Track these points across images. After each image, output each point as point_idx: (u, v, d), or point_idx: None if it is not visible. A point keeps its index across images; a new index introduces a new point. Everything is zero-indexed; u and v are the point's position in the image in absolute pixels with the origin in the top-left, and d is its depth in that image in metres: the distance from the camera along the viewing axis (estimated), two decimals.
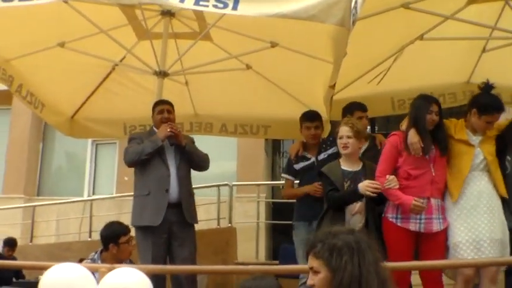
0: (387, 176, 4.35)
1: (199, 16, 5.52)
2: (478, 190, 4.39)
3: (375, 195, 4.29)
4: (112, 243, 4.51)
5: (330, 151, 5.42)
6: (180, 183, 5.29)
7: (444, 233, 4.39)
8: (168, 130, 5.22)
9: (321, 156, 5.45)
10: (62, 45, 5.76)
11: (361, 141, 4.68)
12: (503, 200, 4.45)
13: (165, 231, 5.16)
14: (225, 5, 3.75)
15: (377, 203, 4.55)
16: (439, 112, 4.53)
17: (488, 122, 4.48)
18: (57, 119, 6.95)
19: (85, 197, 12.13)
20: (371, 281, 2.18)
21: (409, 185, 4.39)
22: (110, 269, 2.77)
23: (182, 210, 5.24)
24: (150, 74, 5.83)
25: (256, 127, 7.12)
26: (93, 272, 2.82)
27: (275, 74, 6.37)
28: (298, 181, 5.71)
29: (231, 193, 8.51)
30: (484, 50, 5.96)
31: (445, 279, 4.53)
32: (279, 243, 9.82)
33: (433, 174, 4.42)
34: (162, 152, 5.28)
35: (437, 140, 4.49)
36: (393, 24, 4.96)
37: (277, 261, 6.85)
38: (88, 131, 7.26)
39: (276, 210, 10.36)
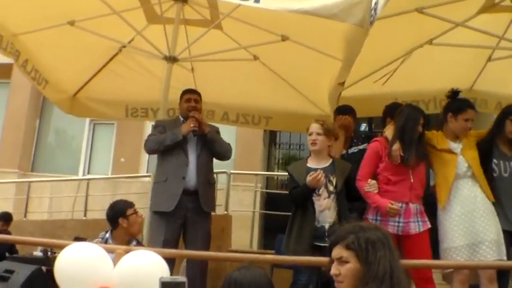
0: (369, 181, 4.54)
1: (212, 4, 5.52)
2: (466, 196, 4.54)
3: (321, 184, 4.46)
4: (121, 217, 4.60)
5: (361, 146, 5.51)
6: (198, 171, 5.36)
7: (424, 235, 4.52)
8: (192, 126, 5.28)
9: (351, 150, 5.55)
10: (71, 23, 5.73)
11: (331, 139, 4.78)
12: (494, 203, 4.57)
13: (181, 217, 5.26)
14: None
15: (349, 199, 4.72)
16: (423, 124, 4.67)
17: (465, 119, 4.66)
18: (58, 96, 6.94)
19: (80, 176, 12.12)
20: (401, 276, 2.27)
21: (389, 190, 4.56)
22: (127, 251, 2.80)
23: (199, 198, 5.30)
24: (160, 58, 5.82)
25: (258, 117, 7.18)
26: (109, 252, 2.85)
27: (281, 66, 6.39)
28: None
29: (228, 181, 8.54)
30: (489, 59, 6.07)
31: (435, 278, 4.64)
32: (272, 233, 9.93)
33: (412, 180, 4.56)
34: (183, 140, 5.33)
35: (416, 147, 4.61)
36: (404, 27, 4.99)
37: (272, 251, 6.93)
38: (89, 110, 7.26)
39: (270, 201, 10.44)
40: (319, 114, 6.68)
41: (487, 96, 6.50)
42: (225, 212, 8.26)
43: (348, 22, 3.84)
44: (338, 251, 2.37)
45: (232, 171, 8.79)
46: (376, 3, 3.89)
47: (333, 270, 2.36)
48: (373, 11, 3.92)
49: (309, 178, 4.47)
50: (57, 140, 13.07)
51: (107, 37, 5.93)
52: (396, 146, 4.52)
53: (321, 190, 4.58)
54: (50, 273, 5.24)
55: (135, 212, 4.64)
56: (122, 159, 11.88)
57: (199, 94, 5.69)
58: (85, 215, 9.94)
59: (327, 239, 4.45)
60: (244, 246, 8.83)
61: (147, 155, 11.92)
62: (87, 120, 12.19)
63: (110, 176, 11.66)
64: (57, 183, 11.44)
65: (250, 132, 10.01)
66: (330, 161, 4.75)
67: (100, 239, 4.62)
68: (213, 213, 5.62)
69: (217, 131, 5.74)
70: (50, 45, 6.08)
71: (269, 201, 10.49)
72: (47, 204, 11.58)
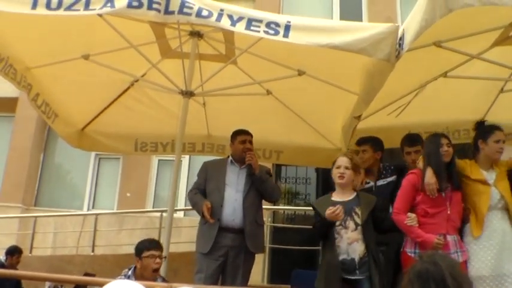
0: (408, 214, 4.53)
1: (229, 39, 5.54)
2: (495, 228, 4.54)
3: (337, 219, 4.47)
4: (137, 258, 4.59)
5: (389, 179, 5.57)
6: (245, 211, 5.54)
7: (464, 265, 4.46)
8: (207, 210, 5.46)
9: (380, 182, 5.62)
10: (86, 57, 5.72)
11: (357, 174, 4.82)
12: None
13: (223, 254, 5.48)
14: (276, 32, 3.85)
15: (381, 231, 4.76)
16: (450, 143, 4.73)
17: (496, 141, 4.72)
18: (67, 130, 6.89)
19: (85, 211, 12.02)
20: None
21: (427, 222, 4.56)
22: None
23: (244, 237, 5.49)
24: (176, 92, 5.81)
25: (269, 152, 7.19)
26: None
27: (293, 100, 6.41)
28: None
29: None
30: (502, 90, 6.11)
31: None
32: (279, 268, 9.86)
33: (449, 212, 4.56)
34: (222, 182, 5.65)
35: (450, 176, 4.63)
36: (419, 60, 5.00)
37: (285, 285, 6.92)
38: (97, 144, 7.24)
39: (277, 235, 10.38)
40: (330, 148, 6.72)
41: None
42: None
43: (375, 57, 3.88)
44: None
45: None
46: (401, 39, 3.92)
47: None
48: (397, 46, 3.95)
49: (328, 212, 4.47)
50: (61, 174, 12.93)
51: (121, 71, 5.91)
52: (432, 180, 4.52)
53: (347, 223, 4.58)
54: None
55: (152, 256, 4.57)
56: (128, 194, 11.80)
57: (251, 135, 5.91)
58: (93, 251, 9.82)
59: (357, 271, 4.47)
60: (255, 282, 8.72)
61: (153, 190, 11.89)
62: (93, 154, 12.10)
63: (116, 211, 11.55)
64: (62, 218, 11.32)
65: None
66: (355, 194, 4.78)
67: (123, 276, 4.54)
68: None
69: (269, 172, 5.95)
70: (62, 79, 6.07)
71: (276, 235, 10.42)
72: (50, 240, 11.43)
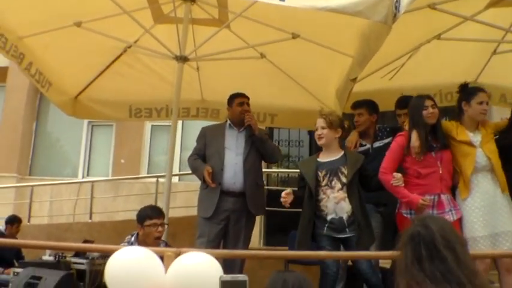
0: (394, 174, 4.59)
1: (222, 3, 5.53)
2: (487, 190, 4.62)
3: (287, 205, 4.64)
4: (139, 225, 4.65)
5: (386, 140, 5.59)
6: (245, 174, 5.56)
7: (457, 223, 4.55)
8: (207, 178, 5.47)
9: (376, 144, 5.66)
10: (78, 24, 5.68)
11: (337, 131, 4.86)
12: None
13: (224, 218, 5.54)
14: None
15: (369, 189, 4.86)
16: (435, 105, 4.75)
17: (479, 103, 4.75)
18: (61, 98, 6.89)
19: (79, 178, 12.03)
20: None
21: (420, 183, 4.62)
22: (176, 253, 2.79)
23: (245, 200, 5.53)
24: (170, 58, 5.81)
25: (263, 115, 7.20)
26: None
27: (288, 63, 6.41)
28: None
29: None
30: (494, 52, 6.14)
31: None
32: (274, 230, 9.97)
33: (441, 172, 4.62)
34: (222, 146, 5.67)
35: (436, 136, 4.70)
36: (413, 23, 5.01)
37: (280, 247, 7.01)
38: (91, 111, 7.24)
39: (270, 198, 10.43)
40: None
41: (491, 88, 6.47)
42: None
43: (372, 19, 3.87)
44: None
45: None
46: (397, 1, 3.92)
47: None
48: (394, 8, 3.95)
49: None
50: (54, 142, 12.89)
51: (114, 37, 5.89)
52: (417, 143, 4.59)
53: (333, 182, 4.65)
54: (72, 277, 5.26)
55: (154, 225, 4.63)
56: (122, 161, 11.81)
57: (248, 98, 5.89)
58: (90, 218, 9.88)
59: (347, 229, 4.58)
60: (252, 243, 8.82)
61: (147, 156, 11.92)
62: (85, 121, 12.06)
63: (111, 178, 11.59)
64: (57, 186, 11.34)
65: None
66: (342, 153, 4.84)
67: (126, 243, 4.61)
68: None
69: (267, 134, 6.02)
70: (55, 47, 6.04)
71: (270, 198, 10.49)
72: (47, 208, 11.48)
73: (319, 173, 4.73)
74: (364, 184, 4.81)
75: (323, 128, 4.82)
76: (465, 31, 5.44)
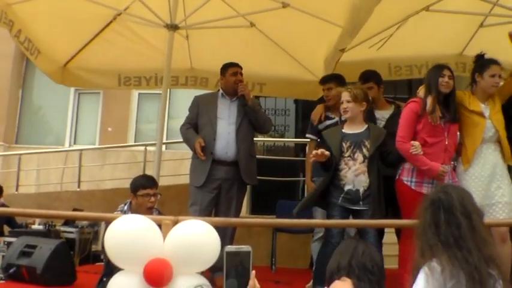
0: (412, 142, 4.57)
1: None
2: (488, 161, 4.65)
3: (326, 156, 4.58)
4: (132, 194, 4.69)
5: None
6: (238, 143, 5.56)
7: None
8: (197, 147, 5.47)
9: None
10: None
11: (362, 104, 4.84)
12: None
13: (216, 186, 5.53)
14: None
15: (386, 164, 4.83)
16: (452, 76, 4.73)
17: (491, 75, 4.74)
18: (50, 66, 6.86)
19: (66, 147, 12.01)
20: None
21: (425, 152, 4.58)
22: (174, 222, 2.84)
23: (238, 169, 5.54)
24: (161, 26, 5.81)
25: (252, 84, 7.16)
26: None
27: (277, 33, 6.44)
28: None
29: None
30: (481, 25, 6.19)
31: None
32: (260, 199, 10.05)
33: (447, 142, 4.64)
34: (214, 115, 5.63)
35: (448, 107, 4.69)
36: None
37: (268, 216, 7.10)
38: (80, 80, 7.22)
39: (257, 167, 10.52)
40: (312, 80, 6.76)
41: None
42: None
43: None
44: None
45: None
46: None
47: None
48: None
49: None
50: (41, 110, 12.79)
51: (103, 4, 5.87)
52: (431, 105, 4.59)
53: (356, 155, 4.68)
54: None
55: (147, 195, 4.68)
56: (109, 129, 11.79)
57: (241, 67, 5.82)
58: (79, 186, 9.89)
59: (361, 202, 4.64)
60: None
61: (134, 124, 11.91)
62: (72, 89, 11.96)
63: (98, 146, 11.57)
64: (44, 155, 11.30)
65: None
66: (365, 126, 4.83)
67: (119, 211, 4.65)
68: None
69: (259, 104, 6.03)
70: (44, 15, 6.05)
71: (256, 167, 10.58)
72: (34, 177, 11.47)
73: (344, 144, 4.74)
74: (382, 158, 4.83)
75: (348, 101, 4.78)
76: (453, 3, 5.50)
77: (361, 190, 4.65)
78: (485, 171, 4.62)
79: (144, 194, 4.65)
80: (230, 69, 5.76)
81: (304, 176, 9.24)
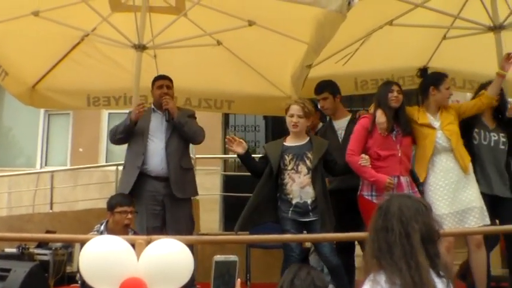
0: (362, 155, 4.75)
1: None
2: (448, 168, 4.82)
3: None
4: (109, 212, 4.76)
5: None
6: (168, 158, 5.50)
7: None
8: (138, 109, 5.45)
9: None
10: (36, 13, 5.66)
11: (309, 119, 5.02)
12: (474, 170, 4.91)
13: (159, 204, 5.44)
14: None
15: (333, 174, 5.11)
16: (401, 91, 4.94)
17: (447, 88, 5.03)
18: (18, 88, 6.83)
19: (38, 168, 11.92)
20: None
21: (380, 165, 4.79)
22: (147, 241, 2.88)
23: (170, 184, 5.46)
24: (129, 47, 5.85)
25: (220, 102, 7.24)
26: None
27: (244, 50, 6.50)
28: None
29: (194, 165, 8.62)
30: (444, 37, 6.38)
31: None
32: (233, 216, 10.09)
33: (400, 155, 4.81)
34: (147, 128, 5.58)
35: (399, 121, 4.87)
36: (366, 9, 5.16)
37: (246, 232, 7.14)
38: (49, 101, 7.18)
39: (229, 184, 10.60)
40: (280, 96, 6.84)
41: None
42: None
43: (328, 9, 4.02)
44: None
45: (197, 156, 8.88)
46: None
47: None
48: None
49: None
50: (10, 132, 12.69)
51: (71, 26, 5.90)
52: (383, 118, 4.77)
53: (299, 167, 4.79)
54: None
55: (124, 212, 4.72)
56: (80, 149, 11.74)
57: (171, 80, 5.81)
58: (51, 208, 9.82)
59: (310, 214, 4.75)
60: (211, 229, 8.96)
61: (105, 144, 11.83)
62: (42, 110, 11.85)
63: (70, 167, 11.50)
64: (15, 177, 11.20)
65: (209, 116, 10.10)
66: (307, 139, 4.97)
67: (95, 232, 4.67)
68: None
69: (193, 115, 5.96)
70: (12, 37, 6.05)
71: (228, 184, 10.65)
72: (5, 200, 11.37)
73: (286, 157, 4.86)
74: (330, 168, 4.97)
75: (300, 116, 4.91)
76: (416, 17, 5.65)
77: (309, 201, 4.79)
78: (448, 179, 4.79)
79: (122, 211, 4.72)
80: (156, 82, 5.78)
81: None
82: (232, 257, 2.72)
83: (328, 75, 6.26)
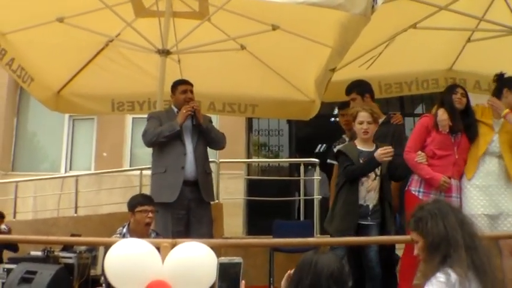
0: (418, 152, 4.76)
1: None
2: (491, 171, 4.75)
3: (390, 158, 4.63)
4: (130, 212, 4.78)
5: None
6: (196, 162, 5.47)
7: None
8: (186, 111, 5.38)
9: None
10: (60, 20, 5.75)
11: (376, 124, 4.95)
12: None
13: (184, 208, 5.35)
14: None
15: (395, 179, 4.97)
16: (465, 94, 4.90)
17: None
18: (44, 93, 6.94)
19: (62, 173, 12.02)
20: (457, 236, 2.56)
21: (434, 164, 4.75)
22: (172, 244, 2.89)
23: (199, 188, 5.42)
24: (153, 52, 5.89)
25: (244, 106, 7.27)
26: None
27: (268, 54, 6.52)
28: None
29: (217, 170, 8.66)
30: (469, 40, 6.30)
31: None
32: (256, 219, 10.12)
33: (456, 157, 4.77)
34: (180, 130, 5.44)
35: (466, 126, 4.82)
36: (390, 13, 5.15)
37: (264, 236, 7.14)
38: (74, 106, 7.29)
39: (252, 188, 10.61)
40: (303, 100, 6.86)
41: (466, 75, 6.73)
42: (217, 201, 8.36)
43: (352, 12, 4.00)
44: (411, 235, 2.76)
45: (221, 160, 8.91)
46: None
47: (415, 251, 2.72)
48: (373, 1, 4.09)
49: (380, 151, 4.64)
50: (36, 138, 12.82)
51: (95, 32, 5.96)
52: (445, 116, 4.73)
53: None
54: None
55: (145, 211, 4.73)
56: (104, 154, 11.84)
57: (192, 85, 5.78)
58: (76, 212, 9.91)
59: (369, 218, 4.73)
60: (235, 233, 8.97)
61: (129, 149, 11.94)
62: (66, 115, 11.99)
63: (94, 171, 11.60)
64: (41, 181, 11.31)
65: (233, 121, 10.16)
66: (375, 146, 4.92)
67: (118, 235, 4.70)
68: None
69: (210, 121, 5.89)
70: (38, 43, 6.12)
71: (251, 188, 10.65)
72: (31, 204, 11.47)
73: (360, 160, 4.83)
74: (391, 173, 4.91)
75: (369, 123, 4.86)
76: (440, 20, 5.59)
77: (371, 206, 4.76)
78: (487, 181, 4.73)
79: (142, 210, 4.73)
80: (180, 87, 5.69)
81: (299, 195, 9.35)
82: (237, 259, 2.68)
83: (352, 79, 6.24)
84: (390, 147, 4.66)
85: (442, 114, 4.76)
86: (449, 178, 4.70)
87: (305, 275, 2.52)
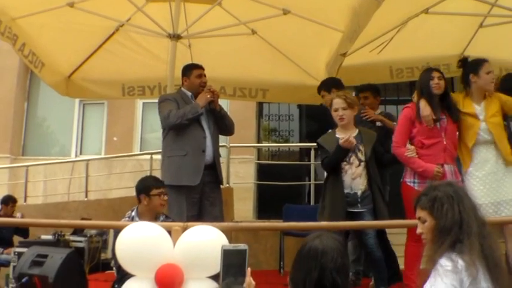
0: (408, 146, 4.72)
1: None
2: (488, 159, 4.71)
3: (350, 146, 4.66)
4: (144, 195, 4.65)
5: None
6: (213, 146, 5.44)
7: None
8: (209, 96, 5.33)
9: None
10: (71, 5, 5.76)
11: (354, 109, 4.93)
12: None
13: (199, 191, 5.30)
14: None
15: (381, 165, 4.95)
16: (442, 77, 4.80)
17: (487, 72, 4.80)
18: (54, 78, 6.95)
19: (72, 157, 12.08)
20: (471, 223, 2.54)
21: (424, 153, 4.70)
22: (184, 228, 2.90)
23: (215, 171, 5.42)
24: (164, 36, 5.88)
25: (255, 90, 7.27)
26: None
27: (278, 39, 6.52)
28: None
29: (228, 154, 8.69)
30: (481, 25, 6.26)
31: None
32: (267, 203, 10.15)
33: (445, 142, 4.71)
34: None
35: (446, 108, 4.76)
36: None
37: (275, 220, 7.16)
38: (85, 91, 7.30)
39: (262, 172, 10.61)
40: (314, 84, 6.75)
41: None
42: (227, 185, 8.38)
43: None
44: (418, 213, 2.69)
45: (232, 145, 8.92)
46: None
47: (418, 230, 2.69)
48: None
49: (341, 141, 4.65)
50: (46, 122, 12.86)
51: (106, 16, 5.96)
52: (427, 111, 4.66)
53: (351, 159, 4.77)
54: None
55: (159, 194, 4.71)
56: (115, 138, 11.86)
57: (204, 69, 5.70)
58: (86, 196, 9.96)
59: (359, 205, 4.72)
60: (245, 217, 8.99)
61: (139, 133, 11.96)
62: (77, 100, 12.02)
63: (104, 156, 11.65)
64: (51, 166, 11.36)
65: (243, 106, 10.16)
66: (357, 131, 4.91)
67: (127, 218, 4.68)
68: None
69: (222, 108, 5.85)
70: (48, 28, 6.14)
71: (262, 172, 10.65)
72: (41, 188, 11.55)
73: None
74: (377, 160, 4.91)
75: (344, 108, 4.84)
76: (453, 5, 5.55)
77: (359, 193, 4.75)
78: (486, 170, 4.69)
79: (159, 193, 4.67)
80: (195, 71, 5.56)
81: (309, 180, 9.37)
82: (242, 246, 2.65)
83: (363, 64, 6.27)
84: (349, 135, 4.68)
85: (424, 109, 4.69)
86: (442, 165, 4.67)
87: (313, 268, 2.49)
